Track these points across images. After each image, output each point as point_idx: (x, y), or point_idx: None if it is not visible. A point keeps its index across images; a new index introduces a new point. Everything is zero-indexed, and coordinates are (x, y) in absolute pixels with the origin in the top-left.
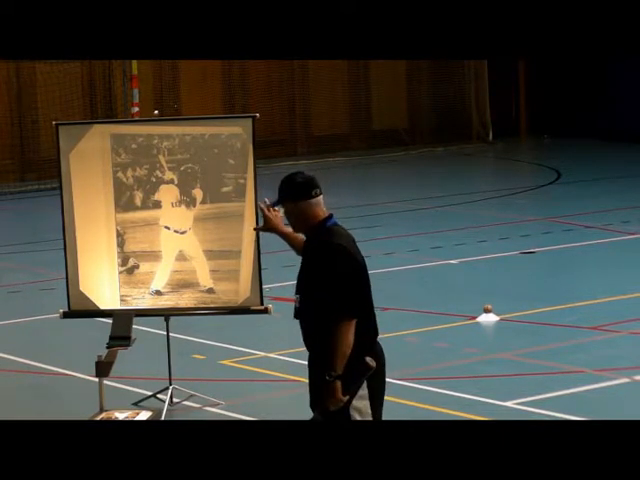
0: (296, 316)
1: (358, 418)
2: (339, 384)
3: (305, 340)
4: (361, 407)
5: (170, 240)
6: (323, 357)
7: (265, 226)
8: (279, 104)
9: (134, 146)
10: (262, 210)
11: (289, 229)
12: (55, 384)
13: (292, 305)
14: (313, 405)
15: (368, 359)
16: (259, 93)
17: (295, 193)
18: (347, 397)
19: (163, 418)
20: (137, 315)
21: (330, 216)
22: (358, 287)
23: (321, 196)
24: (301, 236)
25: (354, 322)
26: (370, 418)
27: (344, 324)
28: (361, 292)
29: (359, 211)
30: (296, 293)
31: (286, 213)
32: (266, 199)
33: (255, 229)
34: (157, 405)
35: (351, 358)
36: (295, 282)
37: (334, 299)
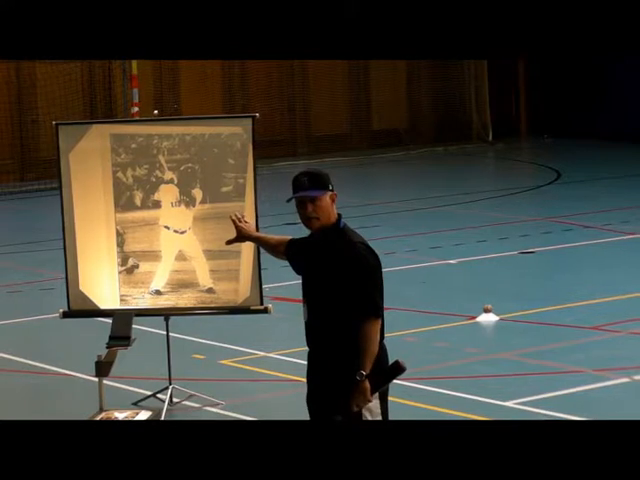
0: (309, 316)
1: (369, 417)
2: (368, 384)
3: (313, 340)
4: (372, 407)
5: (170, 240)
6: (344, 356)
7: (238, 236)
8: (279, 104)
9: (134, 146)
10: (233, 222)
11: (260, 233)
12: (55, 384)
13: (292, 305)
14: (312, 405)
15: (401, 361)
16: (259, 93)
17: (328, 184)
18: (374, 397)
19: (163, 418)
20: (137, 315)
21: (340, 216)
22: (382, 286)
23: None
24: (276, 238)
25: (380, 321)
26: (380, 418)
27: (373, 323)
28: (383, 292)
29: (359, 211)
30: (304, 296)
31: (324, 203)
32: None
33: (227, 243)
34: (157, 405)
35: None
36: (295, 282)
37: (365, 298)
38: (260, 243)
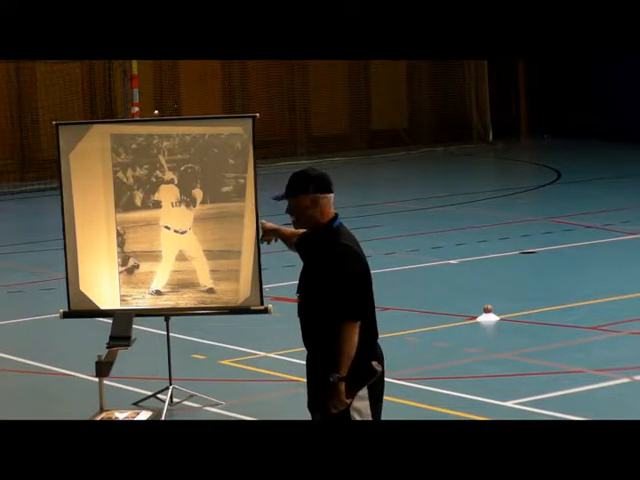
0: (299, 314)
1: (358, 419)
2: (343, 386)
3: (305, 339)
4: (361, 408)
5: (170, 240)
6: (325, 358)
7: (264, 231)
8: (279, 104)
9: (134, 146)
10: (263, 224)
11: (276, 225)
12: (55, 384)
13: (292, 305)
14: (311, 406)
15: (374, 363)
16: (259, 93)
17: (319, 186)
18: (350, 399)
19: (163, 418)
20: (137, 315)
21: (336, 216)
22: (364, 289)
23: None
24: (291, 229)
25: (359, 324)
26: (370, 419)
27: (350, 326)
28: (366, 294)
29: (359, 211)
30: (297, 292)
31: (298, 206)
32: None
33: (261, 241)
34: (157, 405)
35: (352, 360)
36: (295, 282)
37: (341, 300)
38: (279, 234)
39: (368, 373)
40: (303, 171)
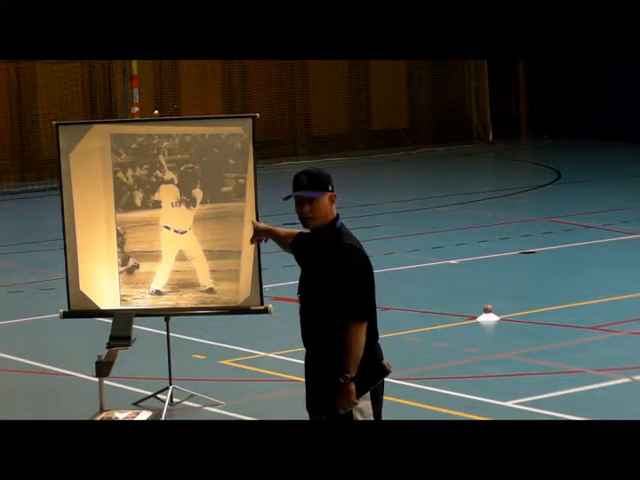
0: (300, 314)
1: (360, 418)
2: (353, 386)
3: (305, 339)
4: (363, 407)
5: (170, 240)
6: (328, 358)
7: (255, 232)
8: (279, 104)
9: (134, 146)
10: (255, 224)
11: (271, 226)
12: (55, 384)
13: (292, 305)
14: (311, 406)
15: (386, 363)
16: (259, 93)
17: (333, 185)
18: (359, 400)
19: (163, 418)
20: (137, 315)
21: (338, 216)
22: (369, 289)
23: None
24: (285, 230)
25: (366, 324)
26: (371, 418)
27: (357, 326)
28: (371, 294)
29: (359, 211)
30: (298, 293)
31: (320, 204)
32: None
33: (252, 241)
34: (157, 405)
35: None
36: (295, 282)
37: (347, 301)
38: (272, 235)
39: (379, 373)
40: (319, 170)
